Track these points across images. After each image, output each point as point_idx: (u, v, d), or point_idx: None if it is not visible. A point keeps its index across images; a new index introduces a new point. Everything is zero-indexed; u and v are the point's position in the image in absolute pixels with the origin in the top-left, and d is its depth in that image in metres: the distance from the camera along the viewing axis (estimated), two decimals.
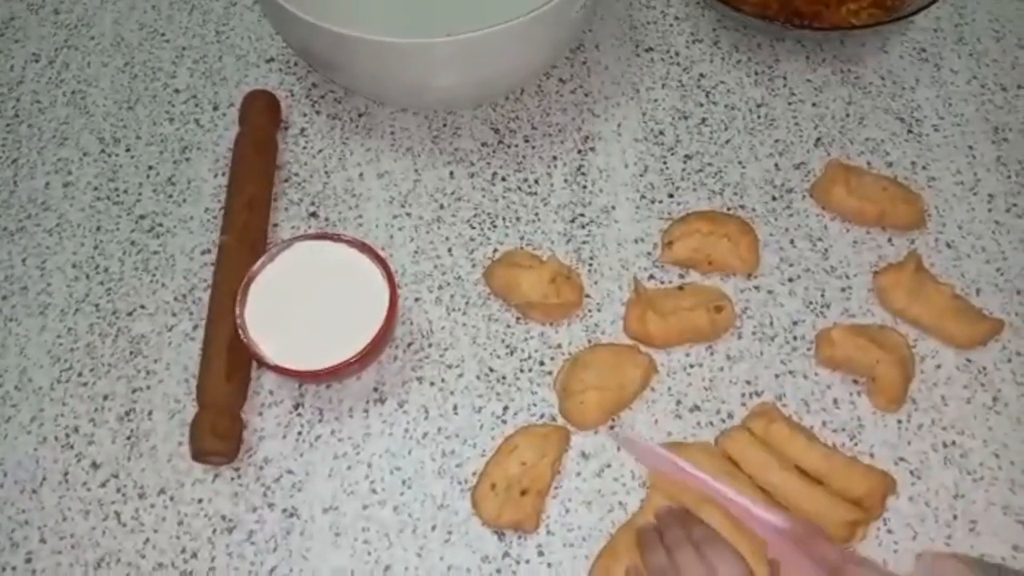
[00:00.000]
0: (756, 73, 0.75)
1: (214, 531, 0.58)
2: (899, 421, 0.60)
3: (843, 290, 0.65)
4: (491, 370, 0.62)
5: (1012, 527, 0.57)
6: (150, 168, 0.72)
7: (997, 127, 0.72)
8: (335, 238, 0.60)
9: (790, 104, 0.74)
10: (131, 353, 0.64)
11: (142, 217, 0.69)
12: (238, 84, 0.75)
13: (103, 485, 0.59)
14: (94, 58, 0.77)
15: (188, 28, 0.79)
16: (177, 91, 0.75)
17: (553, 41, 0.68)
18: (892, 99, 0.74)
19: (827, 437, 0.60)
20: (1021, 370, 0.62)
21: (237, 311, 0.58)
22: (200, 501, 0.59)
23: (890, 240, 0.67)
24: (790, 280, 0.66)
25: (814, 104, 0.74)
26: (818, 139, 0.72)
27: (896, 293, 0.63)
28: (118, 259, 0.68)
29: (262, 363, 0.57)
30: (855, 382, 0.62)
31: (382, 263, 0.59)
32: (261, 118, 0.70)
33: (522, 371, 0.62)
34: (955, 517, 0.57)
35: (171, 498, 0.59)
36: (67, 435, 0.61)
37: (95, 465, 0.60)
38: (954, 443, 0.59)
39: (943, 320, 0.62)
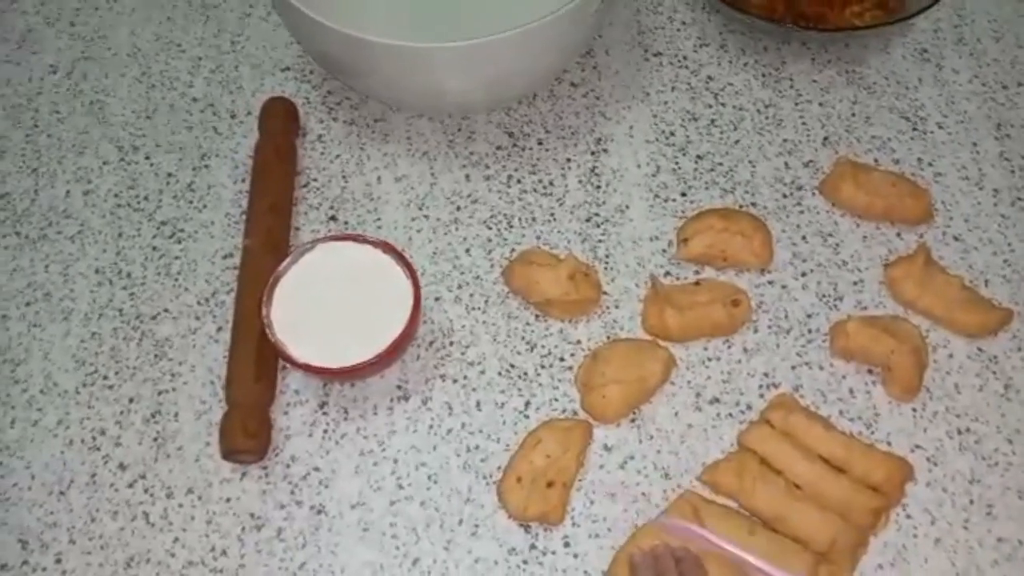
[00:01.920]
0: (763, 75, 0.77)
1: (243, 529, 0.58)
2: (914, 409, 0.61)
3: (855, 283, 0.66)
4: (512, 366, 0.63)
5: None
6: (169, 175, 0.73)
7: (999, 124, 0.74)
8: (358, 239, 0.61)
9: (797, 104, 0.75)
10: (156, 356, 0.64)
11: (163, 223, 0.70)
12: (255, 93, 0.77)
13: (131, 486, 0.60)
14: (111, 69, 0.79)
15: (203, 39, 0.80)
16: (195, 100, 0.76)
17: (565, 45, 0.69)
18: (896, 98, 0.76)
19: (844, 426, 0.61)
20: None
21: (263, 312, 0.59)
22: (228, 500, 0.59)
23: (899, 234, 0.69)
24: (803, 275, 0.67)
25: (821, 104, 0.75)
26: (825, 138, 0.73)
27: (907, 285, 0.65)
28: (140, 264, 0.68)
29: (290, 362, 0.58)
30: (870, 372, 0.63)
31: (404, 262, 0.60)
32: (280, 125, 0.71)
33: (543, 367, 0.63)
34: (971, 502, 0.58)
35: (199, 497, 0.59)
36: (94, 438, 0.62)
37: (122, 467, 0.61)
38: (968, 430, 0.61)
39: (953, 310, 0.64)
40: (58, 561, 0.57)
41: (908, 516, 0.58)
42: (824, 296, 0.66)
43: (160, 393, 0.63)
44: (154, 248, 0.69)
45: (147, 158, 0.73)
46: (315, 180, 0.72)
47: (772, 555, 0.55)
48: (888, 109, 0.75)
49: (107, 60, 0.79)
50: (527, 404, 0.62)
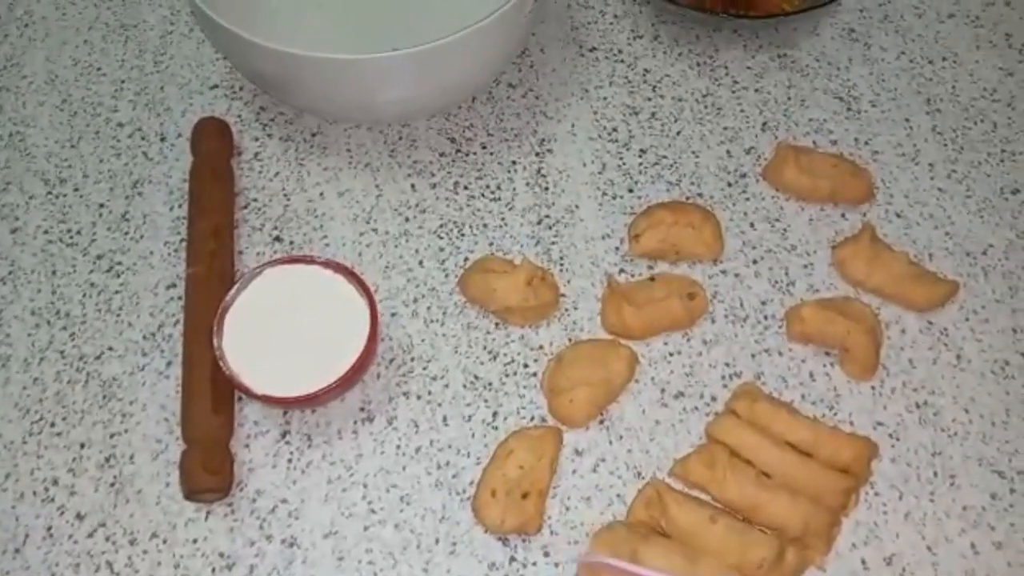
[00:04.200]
0: (698, 64, 0.77)
1: (213, 570, 0.56)
2: (872, 387, 0.63)
3: (805, 267, 0.67)
4: (476, 377, 0.63)
5: (988, 477, 0.59)
6: (101, 206, 0.70)
7: (929, 99, 0.76)
8: (308, 260, 0.60)
9: (734, 92, 0.76)
10: (104, 397, 0.62)
11: (99, 257, 0.67)
12: (184, 113, 0.74)
13: (90, 536, 0.57)
14: (28, 98, 0.75)
15: (125, 60, 0.77)
16: (121, 125, 0.73)
17: (501, 48, 0.68)
18: (829, 79, 0.77)
19: (807, 410, 0.61)
20: (979, 327, 0.65)
21: (215, 342, 0.57)
22: (195, 541, 0.57)
23: (843, 215, 0.70)
24: (754, 262, 0.68)
25: (756, 90, 0.76)
26: (764, 123, 0.74)
27: (855, 264, 0.66)
28: (79, 302, 0.66)
29: (247, 394, 0.56)
30: (827, 354, 0.64)
31: (358, 281, 0.59)
32: (214, 145, 0.69)
33: (507, 375, 0.63)
34: (935, 474, 0.60)
35: (164, 541, 0.57)
36: (46, 488, 0.59)
37: (79, 516, 0.58)
38: (926, 403, 0.62)
39: (902, 286, 0.65)
40: None
41: (876, 494, 0.59)
42: (776, 282, 0.67)
43: (112, 436, 0.61)
44: (92, 284, 0.66)
45: (76, 190, 0.70)
46: (255, 200, 0.70)
47: (733, 544, 0.55)
48: (822, 91, 0.76)
49: (23, 89, 0.76)
50: (494, 415, 0.61)
